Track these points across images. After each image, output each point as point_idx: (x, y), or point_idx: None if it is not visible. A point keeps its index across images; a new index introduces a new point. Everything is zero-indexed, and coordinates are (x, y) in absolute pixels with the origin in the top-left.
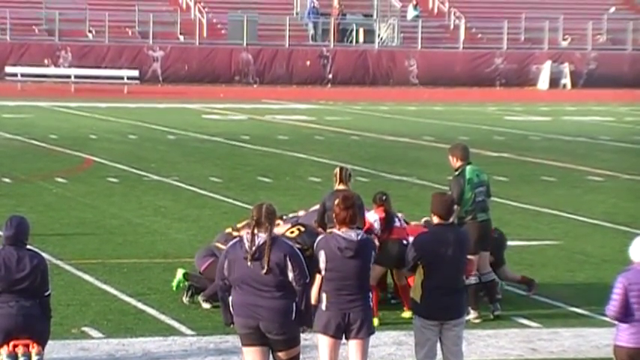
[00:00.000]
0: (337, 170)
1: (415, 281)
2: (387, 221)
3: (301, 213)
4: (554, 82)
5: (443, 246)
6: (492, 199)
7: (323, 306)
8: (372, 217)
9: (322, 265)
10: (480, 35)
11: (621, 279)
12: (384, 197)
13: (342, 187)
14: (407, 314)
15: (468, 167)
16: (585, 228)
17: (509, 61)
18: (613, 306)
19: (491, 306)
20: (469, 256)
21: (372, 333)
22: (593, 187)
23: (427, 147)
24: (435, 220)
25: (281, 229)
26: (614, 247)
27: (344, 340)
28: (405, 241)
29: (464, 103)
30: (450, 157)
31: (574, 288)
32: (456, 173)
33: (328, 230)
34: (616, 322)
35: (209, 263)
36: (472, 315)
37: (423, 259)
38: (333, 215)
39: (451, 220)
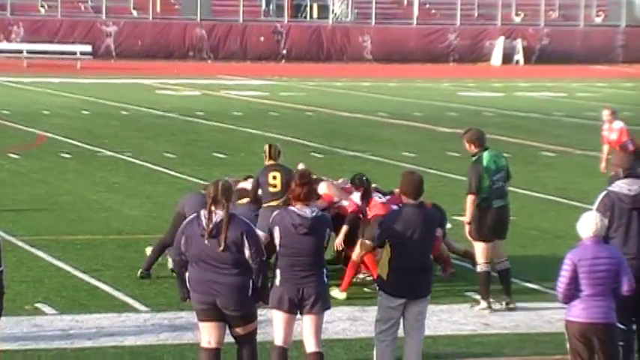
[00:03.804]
0: (266, 147)
1: (382, 258)
2: (367, 199)
3: None
4: (507, 57)
5: (411, 226)
6: (449, 175)
7: (277, 281)
8: (356, 197)
9: (277, 240)
10: (433, 11)
11: (570, 256)
12: (364, 178)
13: (271, 162)
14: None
15: (485, 153)
16: (539, 204)
17: (462, 37)
18: (562, 283)
19: (506, 297)
20: (477, 243)
21: (327, 308)
22: (546, 163)
23: (382, 123)
24: (404, 199)
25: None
26: (567, 223)
27: (299, 316)
28: None
29: (418, 79)
30: (466, 144)
31: (527, 263)
32: (473, 159)
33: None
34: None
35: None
36: (482, 305)
37: (391, 239)
38: (288, 191)
39: (420, 199)
